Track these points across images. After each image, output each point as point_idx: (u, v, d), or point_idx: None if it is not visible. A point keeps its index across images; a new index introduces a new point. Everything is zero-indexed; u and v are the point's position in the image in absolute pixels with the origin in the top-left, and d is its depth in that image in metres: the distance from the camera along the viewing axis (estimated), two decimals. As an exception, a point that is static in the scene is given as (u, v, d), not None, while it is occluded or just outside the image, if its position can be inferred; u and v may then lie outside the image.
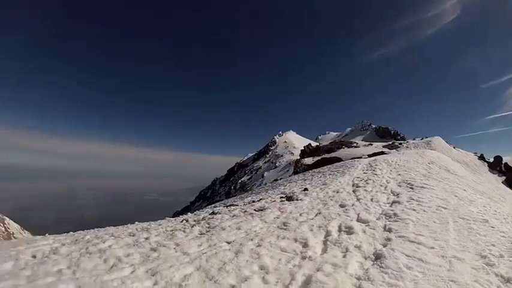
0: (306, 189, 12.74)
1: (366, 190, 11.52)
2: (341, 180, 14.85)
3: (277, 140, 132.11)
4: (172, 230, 7.61)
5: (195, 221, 8.66)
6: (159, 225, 8.84)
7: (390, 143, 72.08)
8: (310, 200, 10.07)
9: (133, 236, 7.42)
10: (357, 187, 12.37)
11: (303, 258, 5.16)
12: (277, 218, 7.86)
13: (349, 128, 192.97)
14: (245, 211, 9.01)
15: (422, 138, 68.05)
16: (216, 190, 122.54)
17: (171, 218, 11.76)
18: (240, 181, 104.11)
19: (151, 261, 5.42)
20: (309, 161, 56.80)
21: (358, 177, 15.17)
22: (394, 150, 49.99)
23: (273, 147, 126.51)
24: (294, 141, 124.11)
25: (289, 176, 63.53)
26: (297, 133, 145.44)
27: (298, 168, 56.79)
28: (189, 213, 14.10)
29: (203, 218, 8.91)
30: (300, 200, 10.26)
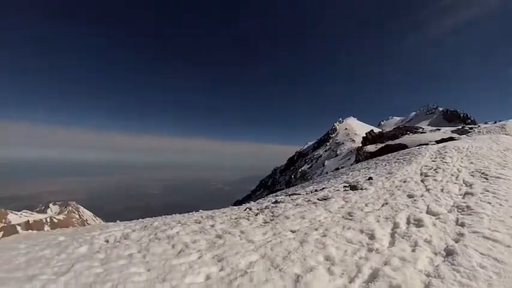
0: (370, 178, 12.33)
1: (435, 180, 10.84)
2: (408, 168, 14.20)
3: (337, 127, 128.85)
4: (236, 218, 7.78)
5: (258, 209, 8.77)
6: (223, 213, 9.08)
7: (460, 127, 67.39)
8: (375, 190, 9.71)
9: (199, 223, 7.70)
10: (425, 176, 11.69)
11: (370, 250, 4.95)
12: (342, 207, 7.69)
13: (414, 113, 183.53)
14: (308, 200, 8.96)
15: (496, 122, 62.81)
16: (276, 179, 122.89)
17: (234, 207, 12.04)
18: (300, 170, 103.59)
19: (217, 247, 5.61)
20: (371, 148, 54.89)
21: (426, 166, 14.39)
22: (465, 135, 46.72)
23: (333, 135, 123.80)
24: (355, 128, 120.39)
25: (351, 164, 62.15)
26: (358, 119, 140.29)
27: (360, 156, 55.14)
28: (251, 202, 14.35)
29: (266, 207, 8.99)
30: (365, 189, 9.95)
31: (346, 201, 8.26)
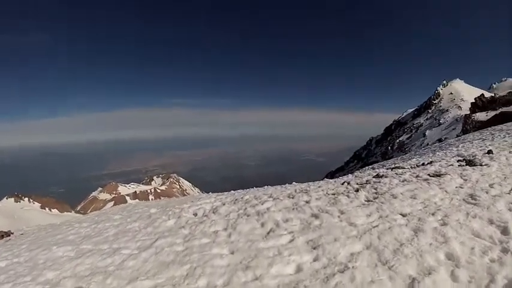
0: (490, 151, 10.52)
1: None
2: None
3: (441, 91, 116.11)
4: (334, 194, 7.14)
5: (358, 184, 8.00)
6: (319, 187, 8.47)
7: None
8: (499, 167, 8.12)
9: (292, 198, 7.22)
10: None
11: (504, 251, 3.65)
12: (461, 187, 6.52)
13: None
14: (417, 176, 7.88)
15: None
16: (371, 150, 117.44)
17: (330, 180, 11.34)
18: (397, 141, 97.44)
19: (313, 230, 4.99)
20: (481, 116, 49.06)
21: None
22: None
23: (436, 101, 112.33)
24: (462, 92, 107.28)
25: (457, 135, 56.49)
26: (465, 82, 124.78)
27: (468, 125, 49.74)
28: (349, 175, 13.40)
29: (367, 181, 8.18)
30: (486, 165, 8.43)
31: (465, 180, 7.02)
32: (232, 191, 11.48)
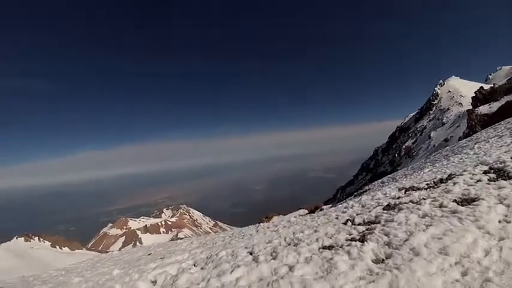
0: (520, 154, 8.59)
1: None
2: None
3: (439, 91, 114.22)
4: (330, 248, 5.22)
5: (364, 223, 6.18)
6: (315, 231, 6.63)
7: None
8: None
9: (274, 258, 5.37)
10: None
11: None
12: (506, 220, 4.56)
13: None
14: (441, 204, 5.87)
15: None
16: (378, 160, 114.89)
17: (332, 212, 9.39)
18: (404, 146, 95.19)
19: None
20: (485, 109, 47.14)
21: None
22: None
23: (435, 101, 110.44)
24: (460, 88, 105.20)
25: (464, 131, 54.48)
26: (460, 78, 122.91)
27: (473, 120, 47.77)
28: (362, 197, 11.36)
29: (376, 218, 6.26)
30: (524, 175, 6.51)
31: (508, 206, 5.05)
32: (219, 235, 9.97)
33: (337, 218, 7.79)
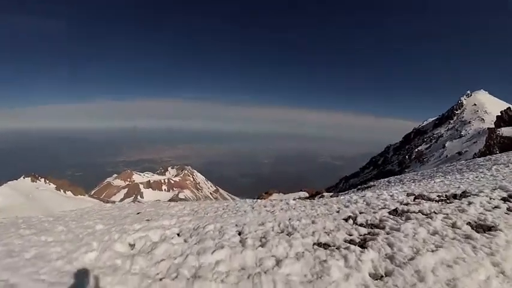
0: (545, 187, 7.96)
1: None
2: None
3: (464, 102, 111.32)
4: (326, 247, 4.80)
5: (367, 224, 5.83)
6: (312, 222, 6.20)
7: None
8: None
9: (263, 246, 5.00)
10: None
11: None
12: (529, 260, 4.07)
13: None
14: (453, 224, 5.34)
15: None
16: (388, 158, 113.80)
17: (334, 203, 8.94)
18: (416, 150, 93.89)
19: None
20: (508, 131, 45.77)
21: None
22: None
23: (458, 111, 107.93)
24: (486, 104, 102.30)
25: (480, 149, 53.16)
26: (489, 93, 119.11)
27: (493, 140, 46.54)
28: (367, 193, 10.89)
29: (381, 222, 5.84)
30: (551, 213, 5.93)
31: (530, 242, 4.53)
32: (214, 205, 9.63)
33: (338, 212, 7.33)
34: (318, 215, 7.24)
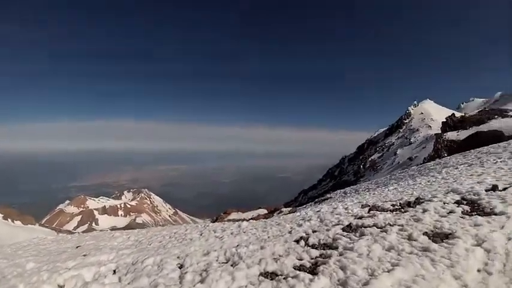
0: (494, 187, 7.88)
1: None
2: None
3: (412, 111, 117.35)
4: (273, 277, 4.22)
5: (319, 246, 5.33)
6: (261, 248, 5.64)
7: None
8: None
9: (202, 282, 4.34)
10: None
11: None
12: (487, 271, 3.72)
13: (499, 93, 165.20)
14: (409, 237, 4.97)
15: None
16: (344, 169, 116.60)
17: (288, 222, 8.47)
18: (370, 159, 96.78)
19: None
20: (452, 135, 48.30)
21: None
22: None
23: (407, 120, 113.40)
24: (432, 112, 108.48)
25: (429, 153, 55.44)
26: (435, 102, 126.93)
27: (440, 144, 48.75)
28: (323, 207, 10.49)
29: (334, 242, 5.37)
30: (502, 214, 5.72)
31: (488, 251, 4.21)
32: (162, 233, 8.81)
33: (290, 233, 6.84)
34: (269, 237, 6.71)
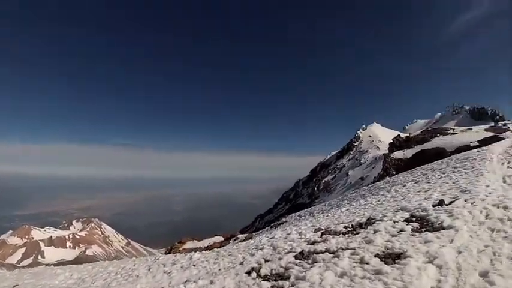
0: (441, 202, 7.99)
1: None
2: (482, 181, 10.08)
3: (360, 134, 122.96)
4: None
5: (272, 277, 4.97)
6: (211, 283, 5.23)
7: (492, 125, 62.85)
8: (470, 229, 5.48)
9: None
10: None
11: None
12: (439, 281, 3.63)
13: (439, 113, 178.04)
14: (362, 260, 4.83)
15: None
16: (299, 192, 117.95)
17: (241, 250, 8.10)
18: (323, 181, 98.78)
19: None
20: (399, 154, 50.47)
21: (509, 175, 10.35)
22: (509, 132, 41.88)
23: (356, 143, 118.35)
24: (379, 134, 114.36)
25: (379, 173, 57.42)
26: (381, 125, 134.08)
27: (388, 163, 50.64)
28: (276, 233, 10.20)
29: (286, 271, 5.10)
30: (450, 227, 5.74)
31: (440, 268, 4.12)
32: (108, 269, 8.13)
33: (242, 264, 6.50)
34: (220, 270, 6.35)
